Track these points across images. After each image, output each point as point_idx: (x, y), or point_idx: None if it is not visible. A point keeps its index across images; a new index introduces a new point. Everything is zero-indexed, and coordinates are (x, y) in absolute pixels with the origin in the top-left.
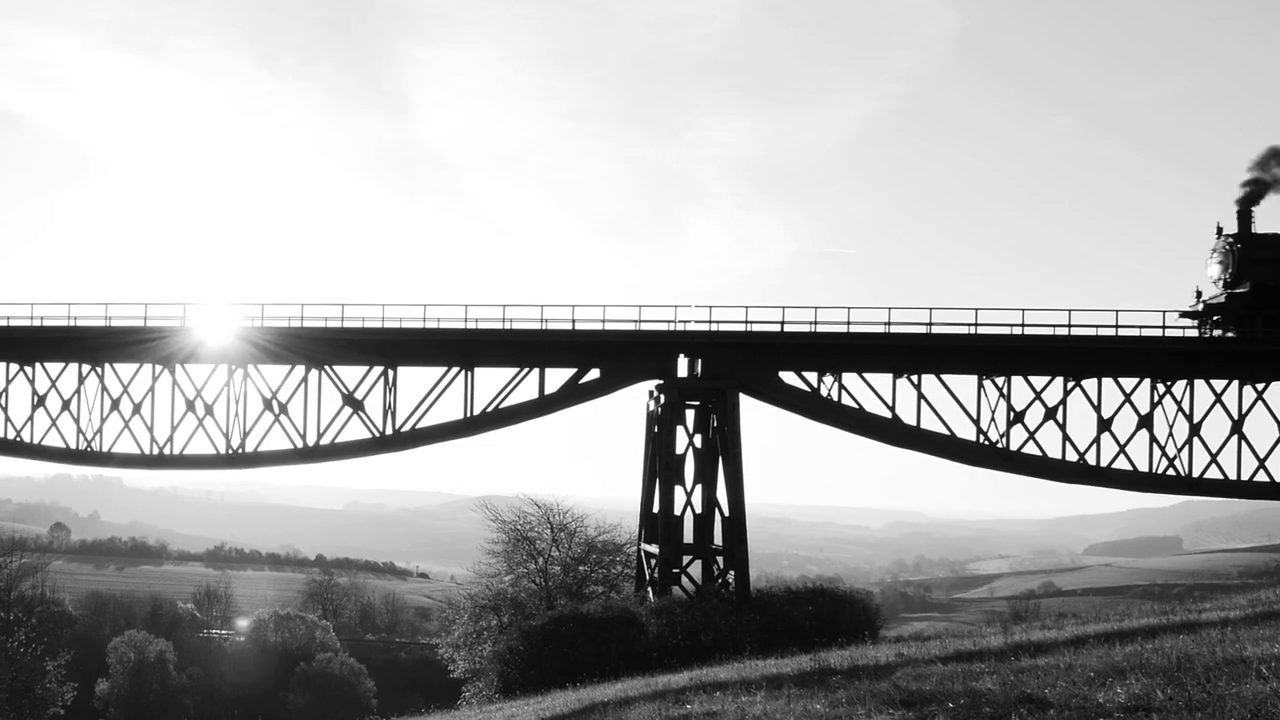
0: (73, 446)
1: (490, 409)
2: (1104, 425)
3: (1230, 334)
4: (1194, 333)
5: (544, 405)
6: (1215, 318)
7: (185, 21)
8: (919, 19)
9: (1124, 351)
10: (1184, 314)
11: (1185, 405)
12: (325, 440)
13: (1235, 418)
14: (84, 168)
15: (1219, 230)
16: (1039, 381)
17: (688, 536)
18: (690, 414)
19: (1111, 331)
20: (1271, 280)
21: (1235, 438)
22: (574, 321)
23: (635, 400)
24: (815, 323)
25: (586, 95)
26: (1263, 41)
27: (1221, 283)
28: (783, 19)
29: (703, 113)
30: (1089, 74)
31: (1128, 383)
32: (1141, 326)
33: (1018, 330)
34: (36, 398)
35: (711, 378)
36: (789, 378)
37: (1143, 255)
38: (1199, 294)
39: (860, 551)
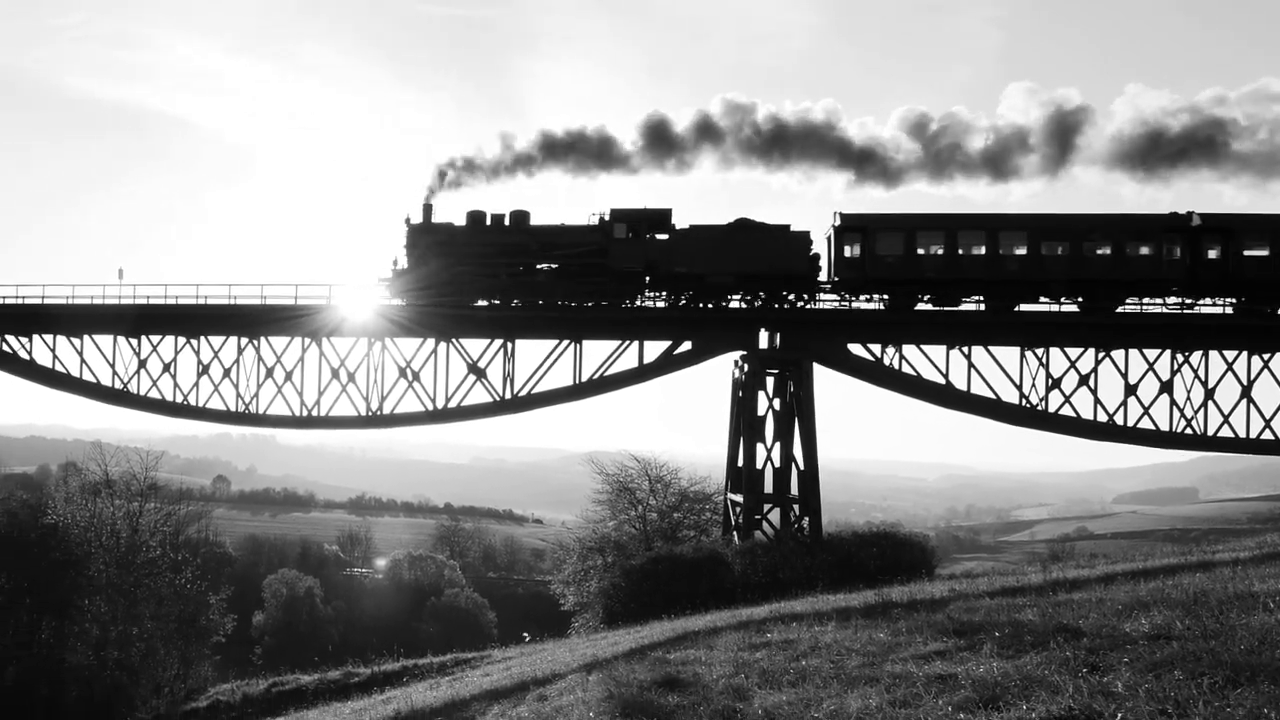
0: (232, 409)
1: (596, 376)
2: (1130, 390)
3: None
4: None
5: (643, 373)
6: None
7: (332, 38)
8: (968, 36)
9: (1148, 326)
10: (381, 280)
11: (1201, 373)
12: (453, 403)
13: (1245, 384)
14: (240, 166)
15: (407, 221)
16: (1074, 352)
17: (768, 487)
18: (770, 381)
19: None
20: (422, 261)
21: (1245, 401)
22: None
23: (722, 369)
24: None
25: (681, 105)
26: None
27: (401, 260)
28: (849, 37)
29: None
30: (1125, 85)
31: (1151, 353)
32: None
33: (1055, 308)
34: (201, 367)
35: (789, 349)
36: (856, 349)
37: None
38: (394, 262)
39: (918, 500)
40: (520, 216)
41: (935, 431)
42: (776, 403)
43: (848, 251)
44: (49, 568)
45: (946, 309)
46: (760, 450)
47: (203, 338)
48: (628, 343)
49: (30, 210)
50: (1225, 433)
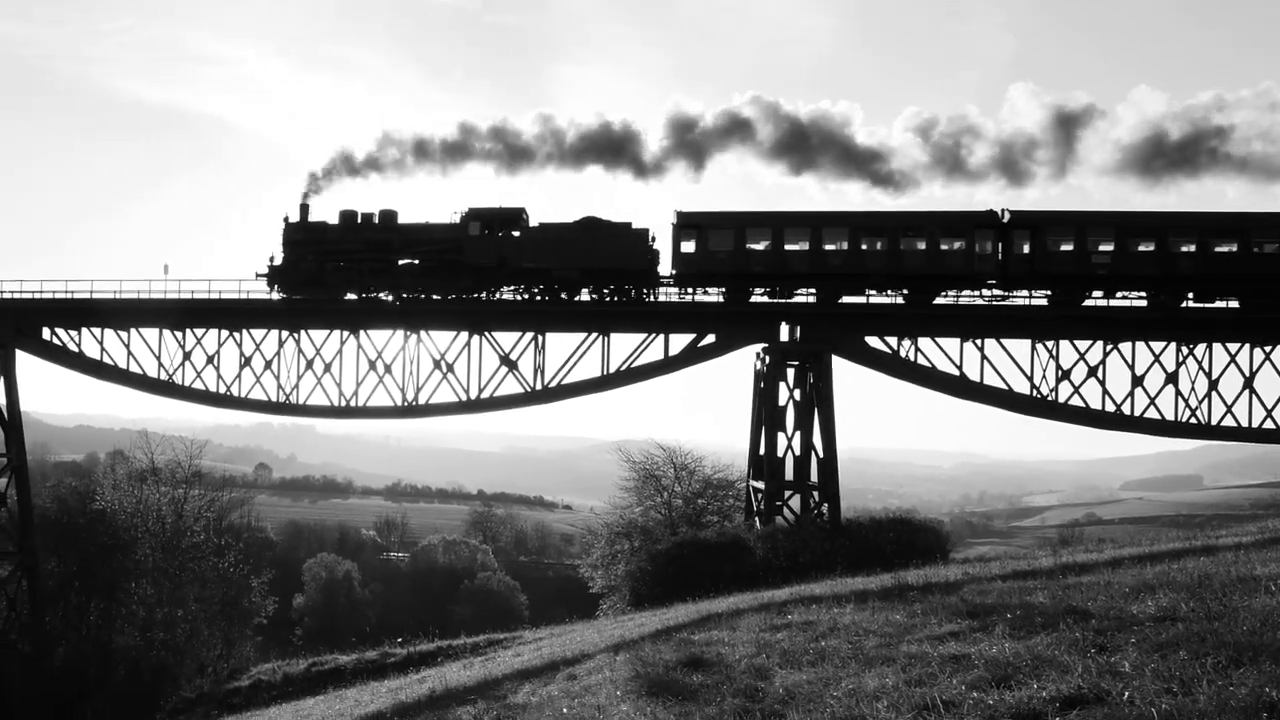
0: (273, 400)
1: (623, 368)
2: (1137, 381)
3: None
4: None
5: (668, 365)
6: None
7: (367, 41)
8: (979, 41)
9: (1153, 320)
10: (258, 275)
11: (1205, 365)
12: (485, 394)
13: (1247, 375)
14: (282, 167)
15: (286, 219)
16: (1082, 345)
17: (789, 474)
18: (791, 372)
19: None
20: (295, 256)
21: (1247, 392)
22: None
23: (744, 361)
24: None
25: (704, 108)
26: None
27: (277, 257)
28: (865, 41)
29: None
30: (1136, 89)
31: (1157, 345)
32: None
33: (1064, 305)
34: (243, 359)
35: (809, 342)
36: (873, 341)
37: None
38: (270, 259)
39: (933, 486)
40: (388, 215)
41: (949, 420)
42: (797, 393)
43: (684, 247)
44: (97, 552)
45: (960, 304)
46: (781, 439)
47: (245, 331)
48: (654, 335)
49: (80, 209)
50: (1228, 422)
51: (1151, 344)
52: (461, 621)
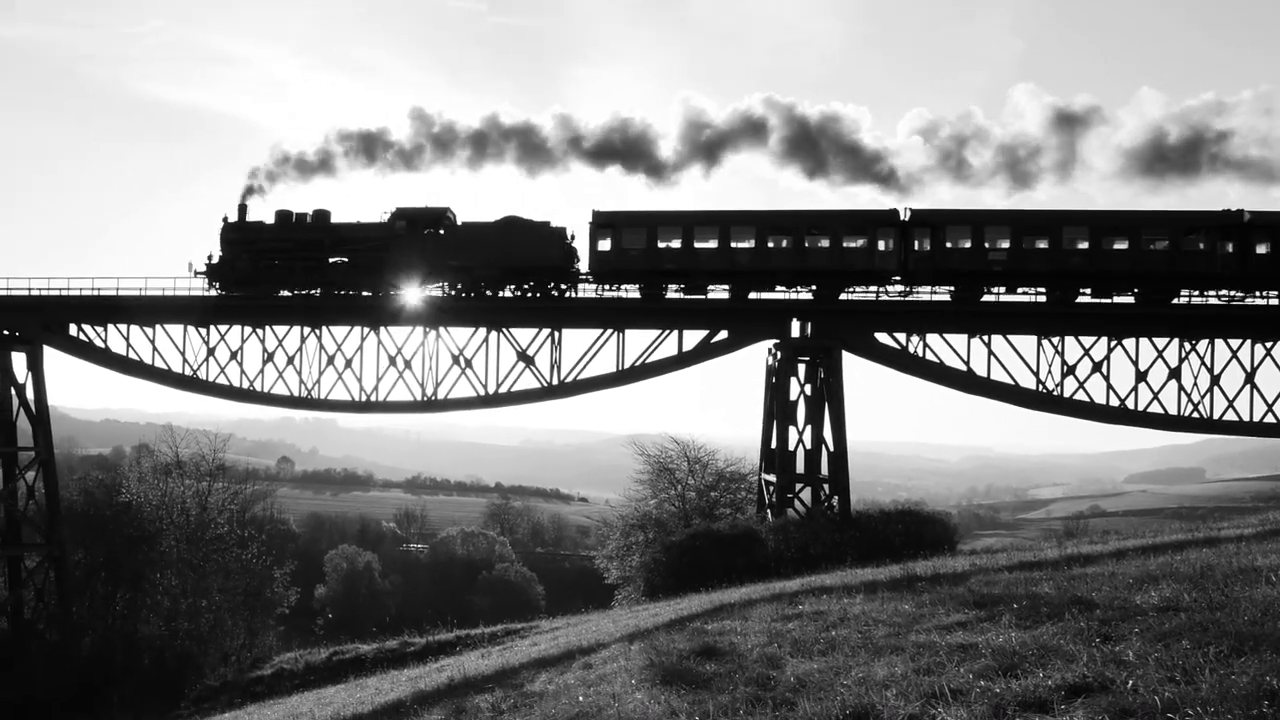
0: (296, 394)
1: (638, 364)
2: (1140, 376)
3: (227, 291)
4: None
5: (682, 360)
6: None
7: (388, 44)
8: (985, 43)
9: (1157, 316)
10: (197, 273)
11: (1207, 360)
12: (503, 389)
13: (1248, 370)
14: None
15: (225, 219)
16: (1087, 340)
17: (800, 468)
18: (802, 367)
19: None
20: (232, 255)
21: (1248, 387)
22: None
23: (757, 356)
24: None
25: (718, 109)
26: None
27: (216, 255)
28: (871, 42)
29: None
30: (1142, 89)
31: (1160, 341)
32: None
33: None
34: (266, 355)
35: (819, 338)
36: (882, 338)
37: None
38: (209, 257)
39: (941, 480)
40: (321, 215)
41: (956, 415)
42: (808, 388)
43: (600, 245)
44: (123, 544)
45: (970, 300)
46: (792, 433)
47: (268, 327)
48: (668, 332)
49: (106, 208)
50: (1230, 417)
51: (1155, 339)
52: (480, 611)
